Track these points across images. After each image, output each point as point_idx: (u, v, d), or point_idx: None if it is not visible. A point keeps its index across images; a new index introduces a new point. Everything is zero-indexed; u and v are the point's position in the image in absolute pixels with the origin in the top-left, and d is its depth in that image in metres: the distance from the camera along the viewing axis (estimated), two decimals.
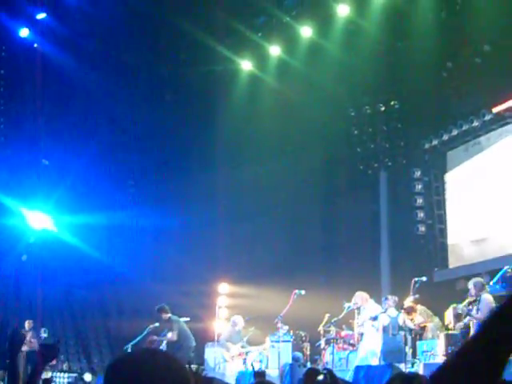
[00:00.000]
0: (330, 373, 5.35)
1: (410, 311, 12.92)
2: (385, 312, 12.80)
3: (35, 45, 16.70)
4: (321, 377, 5.25)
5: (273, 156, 18.23)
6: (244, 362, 14.48)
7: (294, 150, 18.65)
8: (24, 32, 16.65)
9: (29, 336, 16.19)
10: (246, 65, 17.83)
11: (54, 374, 15.22)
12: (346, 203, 18.64)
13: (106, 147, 18.21)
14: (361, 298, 13.20)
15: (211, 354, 15.29)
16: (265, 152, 18.05)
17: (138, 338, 14.20)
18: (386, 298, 13.23)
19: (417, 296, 12.96)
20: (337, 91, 16.97)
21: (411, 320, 12.94)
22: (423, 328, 13.36)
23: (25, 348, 16.04)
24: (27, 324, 16.18)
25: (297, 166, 18.61)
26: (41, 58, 16.12)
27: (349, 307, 13.37)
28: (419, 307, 13.40)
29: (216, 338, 15.74)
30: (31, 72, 16.29)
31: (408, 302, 13.02)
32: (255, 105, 17.70)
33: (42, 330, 16.46)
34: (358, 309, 13.37)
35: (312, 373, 5.15)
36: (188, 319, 14.71)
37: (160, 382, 1.94)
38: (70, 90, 17.06)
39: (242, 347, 14.79)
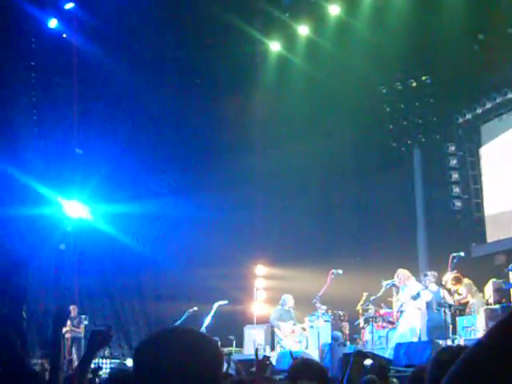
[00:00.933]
0: (375, 356, 5.32)
1: (456, 281, 12.87)
2: (426, 288, 12.86)
3: (64, 35, 16.89)
4: (369, 361, 5.24)
5: (304, 136, 18.22)
6: (299, 340, 14.55)
7: (325, 130, 18.66)
8: (53, 23, 16.82)
9: (75, 322, 16.58)
10: (274, 46, 17.86)
11: (97, 360, 15.48)
12: (380, 181, 18.61)
13: (139, 135, 18.35)
14: (403, 275, 13.26)
15: (250, 335, 15.50)
16: (296, 133, 18.06)
17: (178, 322, 14.24)
18: (426, 275, 13.27)
19: (455, 272, 12.99)
20: (366, 69, 16.90)
21: (456, 291, 12.92)
22: (465, 304, 13.38)
23: (68, 335, 16.46)
24: (72, 309, 16.59)
25: (328, 146, 18.63)
26: (70, 49, 16.30)
27: (387, 285, 13.44)
28: (466, 280, 13.40)
29: (255, 320, 15.95)
30: (62, 63, 16.52)
31: (447, 277, 13.07)
32: (285, 86, 17.71)
33: (83, 317, 16.79)
34: (398, 287, 13.43)
35: (360, 356, 5.15)
36: (226, 302, 14.84)
37: (189, 360, 1.94)
38: (100, 79, 17.14)
39: (294, 325, 14.79)
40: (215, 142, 19.00)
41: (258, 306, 17.21)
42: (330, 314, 14.69)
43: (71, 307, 16.61)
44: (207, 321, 14.26)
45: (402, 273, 13.30)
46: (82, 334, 16.60)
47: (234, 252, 17.79)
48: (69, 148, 17.25)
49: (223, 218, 18.30)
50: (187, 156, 19.14)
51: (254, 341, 15.12)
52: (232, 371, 9.52)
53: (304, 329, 14.71)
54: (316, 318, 14.26)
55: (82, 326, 16.80)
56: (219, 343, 13.85)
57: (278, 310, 15.07)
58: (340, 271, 14.40)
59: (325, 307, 14.64)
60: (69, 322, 16.41)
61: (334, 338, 14.03)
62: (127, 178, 17.99)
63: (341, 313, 14.99)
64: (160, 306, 18.76)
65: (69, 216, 17.43)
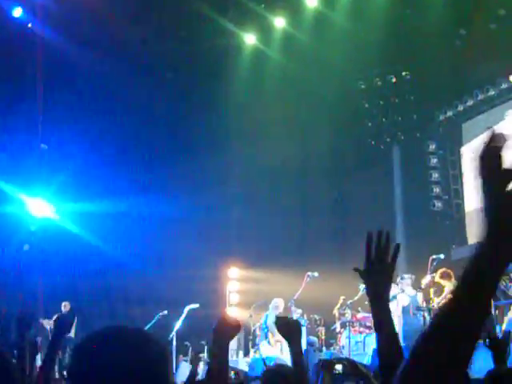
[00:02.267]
0: (348, 361, 5.19)
1: (446, 277, 12.56)
2: (402, 292, 12.70)
3: (29, 24, 16.54)
4: (339, 366, 5.13)
5: (280, 134, 18.03)
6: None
7: (301, 127, 18.49)
8: (17, 11, 16.49)
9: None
10: (249, 38, 17.63)
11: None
12: (358, 181, 18.47)
13: (108, 131, 17.96)
14: None
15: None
16: (271, 130, 17.87)
17: (148, 326, 13.95)
18: (403, 278, 13.12)
19: (434, 275, 12.83)
20: (345, 64, 16.77)
21: (441, 289, 12.65)
22: None
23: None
24: (64, 306, 16.22)
25: (305, 144, 18.48)
26: (35, 39, 15.94)
27: (364, 288, 13.26)
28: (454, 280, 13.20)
29: None
30: (26, 53, 16.15)
31: (426, 280, 12.89)
32: (260, 81, 17.54)
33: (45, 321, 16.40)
34: None
35: (328, 365, 4.96)
36: (198, 305, 14.54)
37: (130, 359, 1.89)
38: (68, 71, 16.80)
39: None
40: (188, 140, 18.72)
41: (231, 310, 16.97)
42: (305, 318, 14.50)
43: (63, 304, 16.20)
44: (178, 325, 14.00)
45: None
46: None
47: (207, 254, 17.50)
48: (33, 143, 16.81)
49: (195, 218, 18.07)
50: (158, 154, 18.84)
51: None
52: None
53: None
54: None
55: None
56: (190, 348, 13.73)
57: (272, 314, 14.71)
58: (316, 274, 14.25)
59: (300, 311, 14.48)
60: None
61: (309, 343, 13.86)
62: (95, 175, 17.56)
63: (317, 317, 14.74)
64: (129, 310, 18.51)
65: (33, 215, 17.03)
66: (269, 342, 14.47)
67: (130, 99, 17.90)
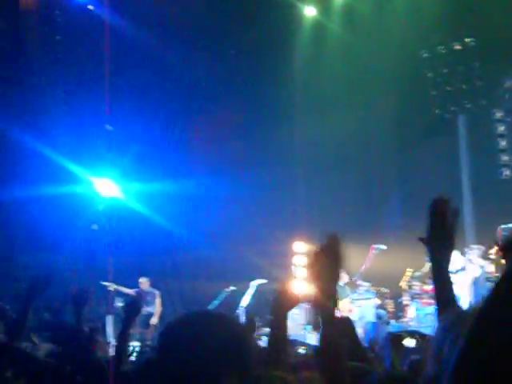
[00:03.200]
0: (418, 334, 5.13)
1: None
2: (471, 262, 12.63)
3: (90, 7, 16.80)
4: (411, 342, 5.00)
5: (343, 106, 18.01)
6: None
7: (364, 99, 18.37)
8: None
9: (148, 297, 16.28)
10: (309, 11, 17.60)
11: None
12: (423, 151, 18.31)
13: (172, 111, 18.27)
14: None
15: (291, 315, 15.03)
16: (334, 103, 17.85)
17: (215, 302, 14.65)
18: (471, 248, 13.04)
19: None
20: (407, 34, 16.59)
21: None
22: None
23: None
24: (144, 282, 16.43)
25: (368, 115, 18.35)
26: (97, 21, 16.27)
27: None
28: None
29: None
30: (89, 36, 16.48)
31: (494, 251, 12.78)
32: (321, 54, 17.51)
33: (117, 299, 16.79)
34: None
35: (396, 338, 4.94)
36: (265, 281, 14.80)
37: (211, 342, 2.00)
38: (131, 52, 17.12)
39: (351, 302, 14.60)
40: (251, 118, 18.82)
41: (298, 285, 17.01)
42: (373, 291, 14.55)
43: (142, 279, 16.44)
44: (245, 300, 14.36)
45: None
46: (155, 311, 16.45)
47: (272, 229, 17.66)
48: (99, 125, 17.26)
49: (260, 195, 18.18)
50: (223, 132, 18.99)
51: (295, 320, 14.67)
52: None
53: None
54: (358, 295, 14.16)
55: (157, 302, 16.50)
56: (257, 322, 13.94)
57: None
58: (383, 246, 14.26)
59: (367, 284, 14.50)
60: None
61: (377, 317, 13.89)
62: (160, 155, 17.87)
63: (384, 290, 14.81)
64: (197, 286, 18.84)
65: (100, 195, 17.48)
66: None
67: (193, 80, 18.13)
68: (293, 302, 3.67)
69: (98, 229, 17.22)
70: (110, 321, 16.05)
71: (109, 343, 14.40)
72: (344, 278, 14.62)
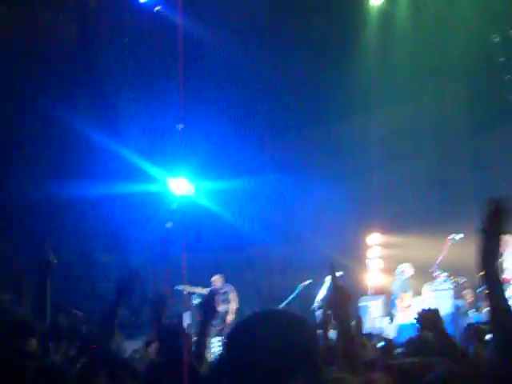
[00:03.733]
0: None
1: None
2: None
3: (157, 8, 17.03)
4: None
5: (414, 94, 17.83)
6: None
7: (436, 86, 18.13)
8: None
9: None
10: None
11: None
12: (498, 137, 17.87)
13: (242, 109, 18.41)
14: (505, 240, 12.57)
15: (366, 307, 15.26)
16: (402, 91, 17.66)
17: (291, 296, 14.62)
18: None
19: None
20: (476, 18, 16.33)
21: None
22: None
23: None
24: (217, 280, 16.34)
25: (439, 103, 18.09)
26: (163, 22, 16.55)
27: None
28: None
29: (369, 291, 15.94)
30: (157, 36, 16.77)
31: None
32: (390, 42, 17.36)
33: (194, 296, 16.83)
34: None
35: (478, 330, 4.85)
36: (341, 273, 14.64)
37: (279, 343, 2.02)
38: (201, 51, 17.29)
39: (413, 297, 14.60)
40: (322, 110, 18.75)
41: (373, 277, 17.03)
42: (450, 281, 14.32)
43: (214, 278, 16.40)
44: (321, 293, 14.27)
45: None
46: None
47: (346, 222, 17.64)
48: (171, 124, 17.48)
49: (332, 188, 18.12)
50: (293, 127, 19.05)
51: (369, 313, 14.94)
52: None
53: (423, 300, 14.30)
54: (436, 286, 14.00)
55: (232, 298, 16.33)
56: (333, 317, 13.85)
57: (398, 280, 14.91)
58: (460, 236, 14.06)
59: (445, 274, 14.30)
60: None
61: (456, 307, 13.70)
62: (231, 153, 18.09)
63: (462, 279, 14.53)
64: (272, 280, 18.96)
65: (173, 193, 17.77)
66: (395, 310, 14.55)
67: (262, 77, 18.19)
68: (345, 300, 3.77)
69: (172, 227, 17.33)
70: (187, 318, 16.04)
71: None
72: (408, 272, 14.79)
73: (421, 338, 4.98)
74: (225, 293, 16.31)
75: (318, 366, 2.10)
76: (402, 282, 14.71)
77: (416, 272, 14.90)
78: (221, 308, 15.71)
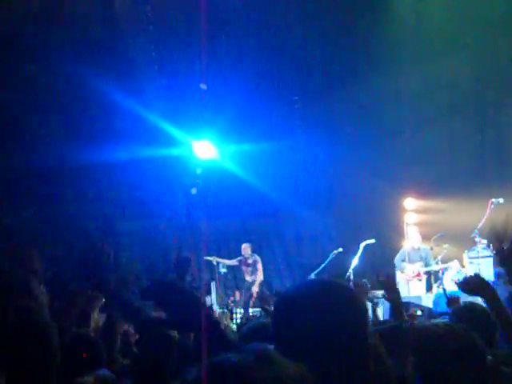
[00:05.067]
0: None
1: None
2: None
3: None
4: None
5: (449, 49, 17.27)
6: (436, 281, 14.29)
7: (473, 40, 17.51)
8: None
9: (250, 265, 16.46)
10: None
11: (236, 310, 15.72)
12: None
13: (268, 68, 18.00)
14: None
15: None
16: (439, 46, 17.13)
17: (322, 265, 14.28)
18: None
19: None
20: None
21: None
22: None
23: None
24: (245, 248, 16.50)
25: (478, 59, 17.61)
26: None
27: None
28: None
29: (407, 259, 15.14)
30: None
31: None
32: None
33: (221, 265, 16.94)
34: None
35: None
36: (374, 241, 14.49)
37: (333, 319, 2.01)
38: (226, 7, 16.89)
39: (423, 266, 14.55)
40: (352, 68, 18.20)
41: (409, 244, 16.57)
42: (491, 248, 13.44)
43: (244, 245, 16.52)
44: (354, 262, 14.01)
45: None
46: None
47: (380, 186, 17.35)
48: (193, 84, 17.17)
49: (363, 150, 17.79)
50: (323, 87, 18.51)
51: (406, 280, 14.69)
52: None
53: (463, 266, 14.12)
54: (476, 253, 13.73)
55: (259, 268, 16.46)
56: (368, 286, 13.79)
57: (405, 248, 14.92)
58: (500, 200, 13.75)
59: (485, 241, 13.85)
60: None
61: (497, 275, 13.39)
62: (258, 115, 17.72)
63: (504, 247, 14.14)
64: (302, 249, 18.84)
65: (198, 157, 17.57)
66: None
67: (288, 34, 17.83)
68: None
69: (197, 193, 17.34)
70: (214, 287, 16.32)
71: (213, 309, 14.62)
72: (417, 242, 14.83)
73: (467, 307, 4.92)
74: (253, 263, 16.40)
75: (367, 342, 2.10)
76: (411, 251, 14.83)
77: (457, 238, 14.68)
78: (248, 278, 16.19)
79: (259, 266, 16.36)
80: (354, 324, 2.04)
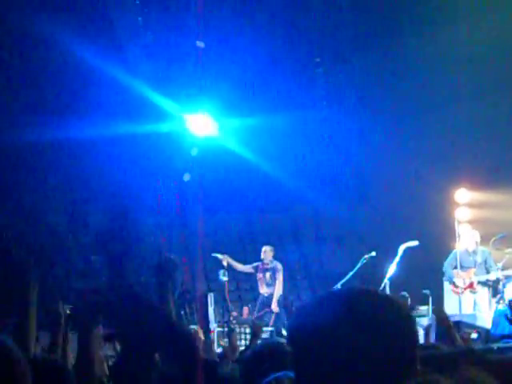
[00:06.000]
0: None
1: None
2: None
3: None
4: None
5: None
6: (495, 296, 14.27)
7: None
8: None
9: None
10: None
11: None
12: None
13: (283, 21, 17.81)
14: None
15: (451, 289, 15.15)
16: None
17: (350, 274, 14.06)
18: None
19: None
20: None
21: None
22: None
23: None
24: (264, 252, 16.58)
25: None
26: None
27: None
28: None
29: (459, 266, 15.24)
30: None
31: None
32: None
33: (221, 272, 16.70)
34: None
35: None
36: (417, 243, 14.21)
37: (366, 342, 1.97)
38: None
39: (476, 275, 14.56)
40: (388, 25, 17.69)
41: (462, 246, 16.06)
42: None
43: (266, 248, 16.54)
44: (391, 269, 13.86)
45: None
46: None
47: (425, 173, 17.20)
48: (188, 45, 17.01)
49: (405, 126, 17.60)
50: (348, 48, 18.36)
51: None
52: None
53: None
54: None
55: (279, 279, 16.58)
56: (409, 300, 13.54)
57: (458, 251, 14.93)
58: None
59: None
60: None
61: None
62: (269, 82, 17.58)
63: None
64: (324, 253, 18.92)
65: (193, 134, 17.42)
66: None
67: None
68: None
69: (192, 180, 17.20)
70: (211, 300, 16.32)
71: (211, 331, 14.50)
72: (472, 244, 14.89)
73: None
74: (272, 271, 16.56)
75: (415, 369, 2.07)
76: (462, 254, 14.90)
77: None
78: (263, 290, 16.46)
79: (280, 276, 16.45)
80: (398, 348, 2.02)
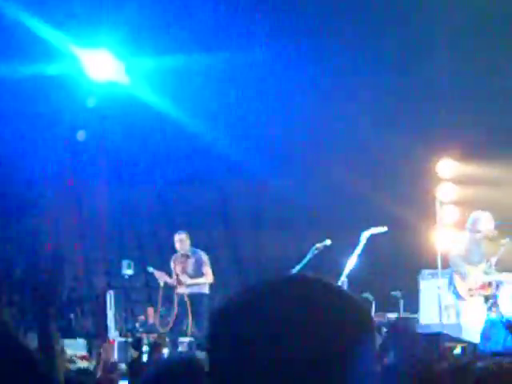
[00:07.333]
0: None
1: None
2: None
3: None
4: None
5: None
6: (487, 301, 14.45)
7: None
8: None
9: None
10: None
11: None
12: None
13: None
14: None
15: (430, 289, 15.57)
16: None
17: (299, 266, 13.99)
18: None
19: None
20: None
21: None
22: None
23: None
24: (180, 240, 16.46)
25: None
26: None
27: None
28: None
29: (439, 262, 15.67)
30: None
31: None
32: None
33: (125, 262, 16.87)
34: None
35: None
36: (384, 229, 14.25)
37: (328, 327, 2.01)
38: None
39: (486, 273, 14.60)
40: None
41: (444, 236, 16.53)
42: None
43: (178, 236, 16.45)
44: (351, 263, 13.92)
45: None
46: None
47: (398, 140, 17.44)
48: None
49: (375, 79, 17.98)
50: None
51: (438, 297, 15.11)
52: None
53: None
54: None
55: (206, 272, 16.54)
56: (373, 304, 14.13)
57: (466, 239, 14.99)
58: None
59: None
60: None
61: None
62: (188, 8, 17.58)
63: None
64: (261, 240, 19.30)
65: (90, 78, 17.28)
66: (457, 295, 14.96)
67: None
68: None
69: (87, 139, 17.01)
70: (111, 300, 16.67)
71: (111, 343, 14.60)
72: (484, 227, 14.78)
73: None
74: (195, 263, 16.65)
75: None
76: (472, 244, 14.83)
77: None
78: (182, 291, 16.55)
79: (207, 268, 16.52)
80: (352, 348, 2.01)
